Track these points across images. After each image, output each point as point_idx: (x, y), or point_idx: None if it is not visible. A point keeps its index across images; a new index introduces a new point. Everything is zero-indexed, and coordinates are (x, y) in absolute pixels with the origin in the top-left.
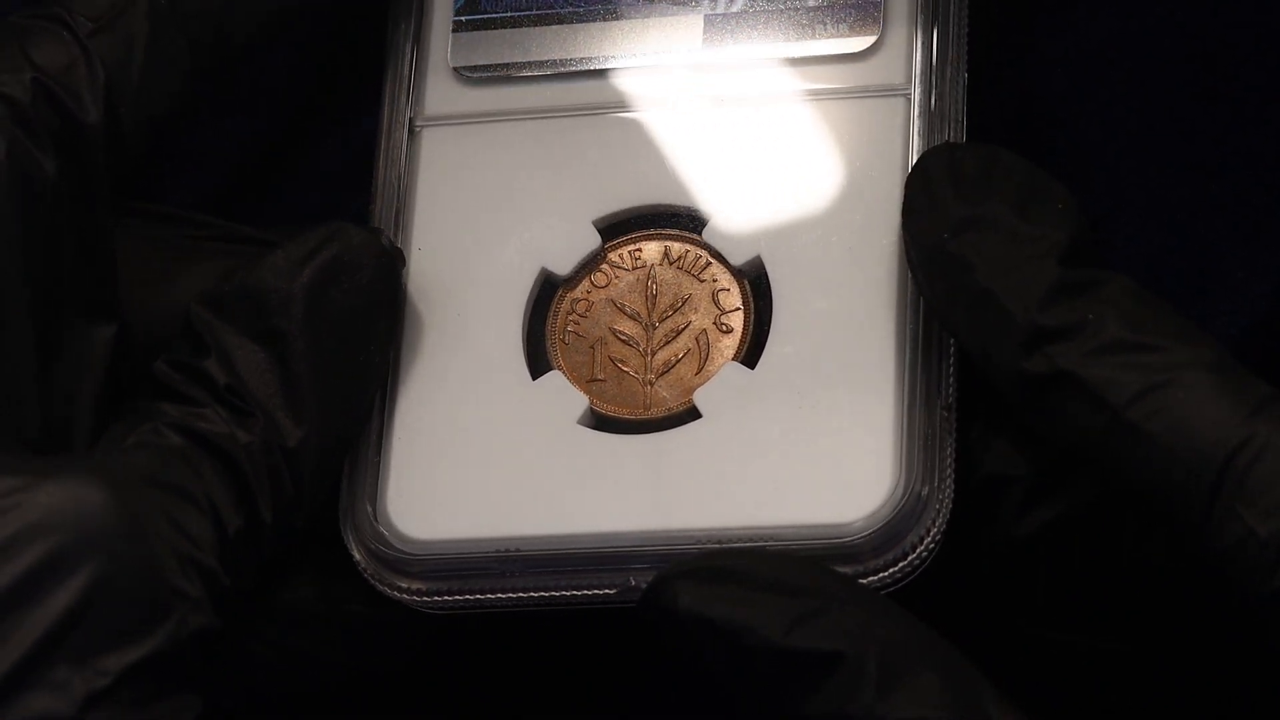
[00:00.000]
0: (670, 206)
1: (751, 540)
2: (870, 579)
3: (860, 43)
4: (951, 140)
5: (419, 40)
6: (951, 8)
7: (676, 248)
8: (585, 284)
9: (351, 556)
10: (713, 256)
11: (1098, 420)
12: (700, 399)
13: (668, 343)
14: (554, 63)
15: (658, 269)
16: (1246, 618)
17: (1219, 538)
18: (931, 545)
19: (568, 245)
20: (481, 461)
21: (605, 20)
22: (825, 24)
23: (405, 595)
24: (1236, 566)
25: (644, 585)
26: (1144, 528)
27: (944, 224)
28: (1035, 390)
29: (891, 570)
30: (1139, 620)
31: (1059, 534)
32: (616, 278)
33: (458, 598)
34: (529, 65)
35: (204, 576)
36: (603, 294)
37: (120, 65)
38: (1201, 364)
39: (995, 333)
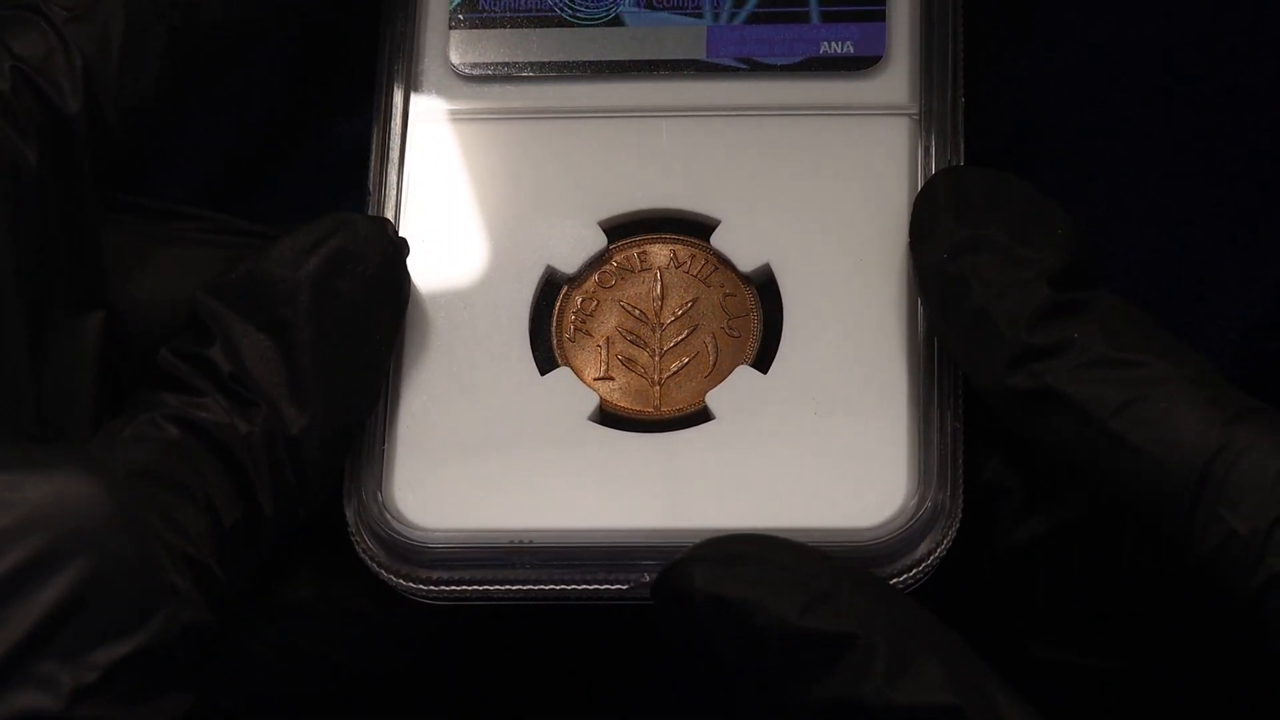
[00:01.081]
0: (677, 211)
1: None
2: None
3: (864, 60)
4: (954, 156)
5: (416, 37)
6: (949, 26)
7: (683, 251)
8: (591, 283)
9: (357, 546)
10: (720, 262)
11: (1083, 434)
12: (712, 401)
13: (676, 345)
14: (555, 64)
15: (665, 272)
16: (1235, 618)
17: (1203, 541)
18: (943, 553)
19: (572, 244)
20: (492, 454)
21: (608, 25)
22: (829, 41)
23: (413, 584)
24: (1221, 567)
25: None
26: (1139, 536)
27: (945, 244)
28: (1023, 406)
29: (905, 577)
30: (1136, 628)
31: (1056, 542)
32: (623, 278)
33: (467, 588)
34: (530, 66)
35: (196, 571)
36: (609, 294)
37: (98, 53)
38: (1184, 378)
39: (986, 351)
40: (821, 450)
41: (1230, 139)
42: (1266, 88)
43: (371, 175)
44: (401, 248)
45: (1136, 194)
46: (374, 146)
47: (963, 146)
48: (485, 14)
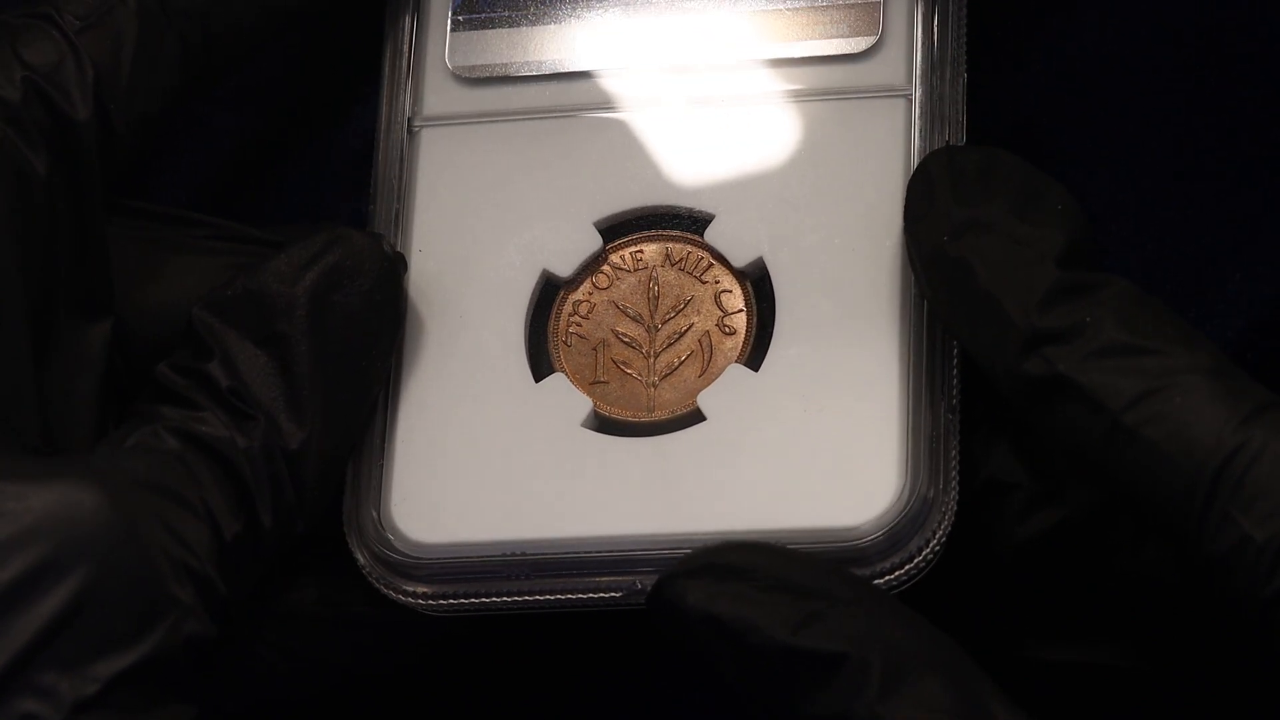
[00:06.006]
0: (671, 207)
1: None
2: (876, 582)
3: (860, 43)
4: (951, 141)
5: (417, 40)
6: (950, 9)
7: (678, 249)
8: (587, 285)
9: (356, 561)
10: (714, 258)
11: (1095, 425)
12: (704, 401)
13: (670, 345)
14: (552, 63)
15: (659, 270)
16: (1244, 623)
17: (1215, 543)
18: (937, 548)
19: (569, 246)
20: (486, 464)
21: (603, 20)
22: (825, 24)
23: (411, 599)
24: (1233, 572)
25: (650, 587)
26: (1146, 532)
27: (944, 227)
28: (1034, 393)
29: (898, 573)
30: (1140, 627)
31: (1061, 539)
32: (618, 279)
33: (463, 601)
34: (527, 65)
35: (198, 583)
36: (604, 295)
37: (109, 63)
38: (1199, 369)
39: (995, 335)
40: (811, 448)
41: (1230, 139)
42: (1267, 87)
43: (374, 180)
44: (397, 262)
45: (1136, 194)
46: (376, 151)
47: (965, 125)
48: (484, 15)
